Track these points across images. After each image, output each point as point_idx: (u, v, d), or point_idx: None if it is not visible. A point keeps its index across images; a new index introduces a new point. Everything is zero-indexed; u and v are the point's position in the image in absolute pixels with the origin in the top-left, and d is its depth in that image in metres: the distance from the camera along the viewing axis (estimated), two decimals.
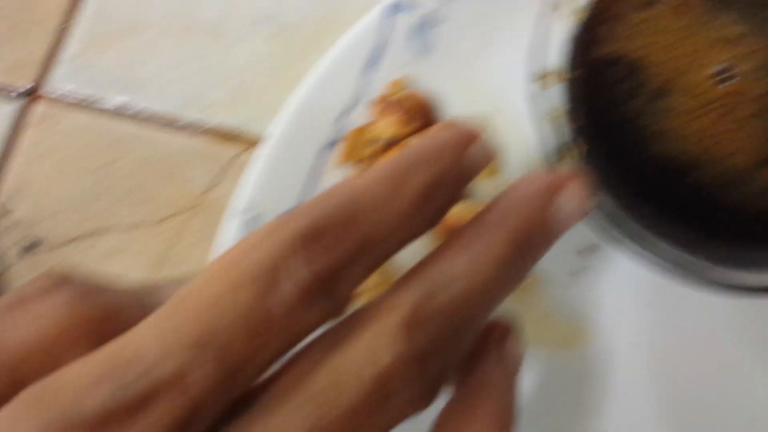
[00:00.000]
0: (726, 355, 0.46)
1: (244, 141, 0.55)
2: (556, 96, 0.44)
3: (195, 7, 0.58)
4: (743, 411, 0.46)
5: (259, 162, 0.49)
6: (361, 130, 0.50)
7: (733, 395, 0.46)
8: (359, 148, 0.50)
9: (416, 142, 0.33)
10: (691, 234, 0.43)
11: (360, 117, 0.51)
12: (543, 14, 0.43)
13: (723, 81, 0.44)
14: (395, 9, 0.51)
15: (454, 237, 0.33)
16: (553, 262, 0.43)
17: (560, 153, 0.43)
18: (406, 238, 0.31)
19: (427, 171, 0.31)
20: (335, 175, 0.50)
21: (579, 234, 0.39)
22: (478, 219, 0.33)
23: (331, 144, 0.50)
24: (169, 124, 0.56)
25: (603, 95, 0.44)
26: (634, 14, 0.45)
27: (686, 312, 0.47)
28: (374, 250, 0.29)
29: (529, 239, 0.33)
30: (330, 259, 0.27)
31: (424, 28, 0.51)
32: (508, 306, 0.46)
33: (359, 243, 0.29)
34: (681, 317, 0.47)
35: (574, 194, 0.34)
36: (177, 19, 0.57)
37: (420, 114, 0.50)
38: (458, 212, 0.46)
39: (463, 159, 0.33)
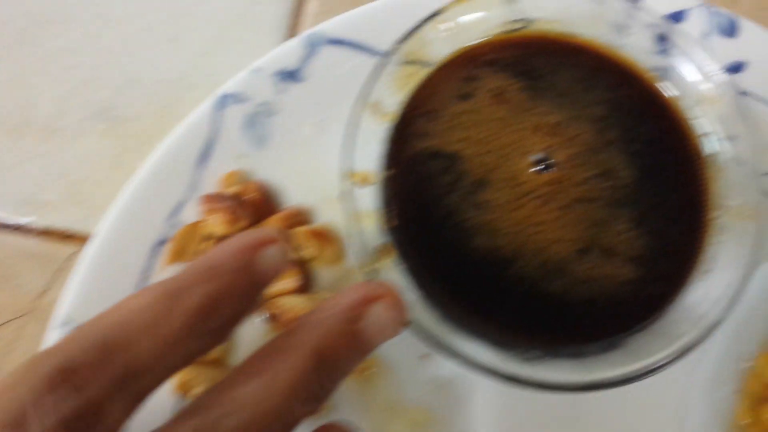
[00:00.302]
0: None
1: (79, 240, 0.53)
2: (370, 196, 0.43)
3: (29, 104, 0.56)
4: None
5: (82, 265, 0.47)
6: (193, 227, 0.49)
7: None
8: (191, 246, 0.49)
9: (197, 259, 0.32)
10: (510, 331, 0.42)
11: (194, 212, 0.49)
12: (355, 112, 0.42)
13: (542, 170, 0.44)
14: (228, 100, 0.50)
15: (251, 359, 0.31)
16: (400, 346, 0.42)
17: (374, 254, 0.42)
18: (178, 362, 0.30)
19: (202, 289, 0.31)
20: (167, 275, 0.48)
21: None
22: (280, 339, 0.33)
23: (163, 242, 0.48)
24: (2, 225, 0.54)
25: (420, 192, 0.44)
26: (451, 107, 0.45)
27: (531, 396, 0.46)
28: (139, 381, 0.28)
29: (335, 357, 0.33)
30: (83, 398, 0.26)
31: (259, 118, 0.50)
32: (354, 393, 0.46)
33: (119, 376, 0.27)
34: (528, 401, 0.46)
35: (388, 308, 0.34)
36: (10, 117, 0.55)
37: (254, 207, 0.49)
38: (296, 305, 0.45)
39: (253, 268, 0.32)
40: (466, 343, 0.41)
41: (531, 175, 0.45)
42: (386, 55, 0.44)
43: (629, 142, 0.45)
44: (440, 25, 0.45)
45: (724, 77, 0.46)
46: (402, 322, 0.34)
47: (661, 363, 0.41)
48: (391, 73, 0.44)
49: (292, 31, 0.57)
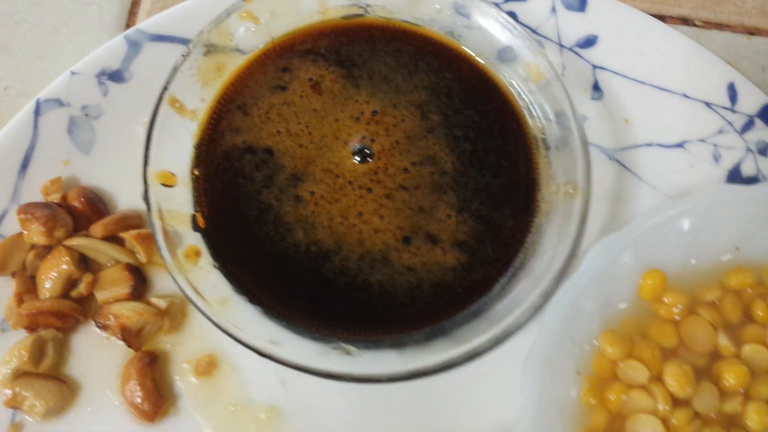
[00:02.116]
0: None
1: None
2: (180, 196, 0.42)
3: None
4: None
5: None
6: (16, 238, 0.48)
7: None
8: (16, 256, 0.48)
9: None
10: (333, 324, 0.42)
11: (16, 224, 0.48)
12: (155, 110, 0.42)
13: (362, 160, 0.44)
14: (46, 106, 0.49)
15: None
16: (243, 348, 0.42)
17: (183, 256, 0.41)
18: None
19: None
20: None
21: None
22: None
23: None
24: None
25: (233, 190, 0.43)
26: (265, 100, 0.45)
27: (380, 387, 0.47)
28: None
29: None
30: None
31: (82, 122, 0.50)
32: (199, 394, 0.45)
33: None
34: (375, 389, 0.48)
35: None
36: None
37: (76, 214, 0.48)
38: (127, 312, 0.44)
39: None
40: (286, 341, 0.41)
41: (351, 165, 0.44)
42: (187, 48, 0.43)
43: (452, 127, 0.45)
44: (249, 15, 0.45)
45: (546, 55, 0.47)
46: None
47: (483, 347, 0.41)
48: (193, 66, 0.43)
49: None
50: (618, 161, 0.52)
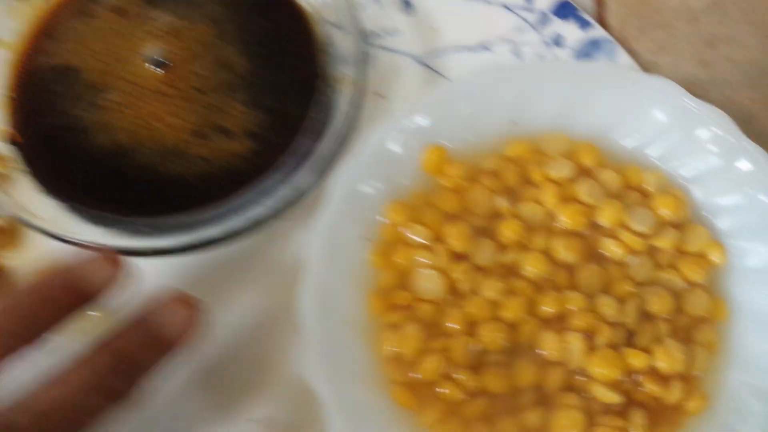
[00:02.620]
0: None
1: None
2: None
3: None
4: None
5: None
6: None
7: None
8: None
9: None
10: (137, 211, 0.48)
11: None
12: None
13: (159, 68, 0.50)
14: None
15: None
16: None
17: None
18: None
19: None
20: None
21: None
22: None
23: None
24: None
25: (43, 104, 0.50)
26: (72, 26, 0.51)
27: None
28: None
29: (132, 359, 0.39)
30: None
31: None
32: None
33: None
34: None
35: (176, 311, 0.41)
36: None
37: None
38: None
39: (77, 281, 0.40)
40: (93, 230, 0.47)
41: (147, 73, 0.50)
42: None
43: (243, 33, 0.51)
44: None
45: None
46: (193, 321, 0.41)
47: (261, 217, 0.46)
48: (3, 3, 0.50)
49: None
50: (429, 66, 0.57)
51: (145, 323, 0.39)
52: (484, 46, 0.56)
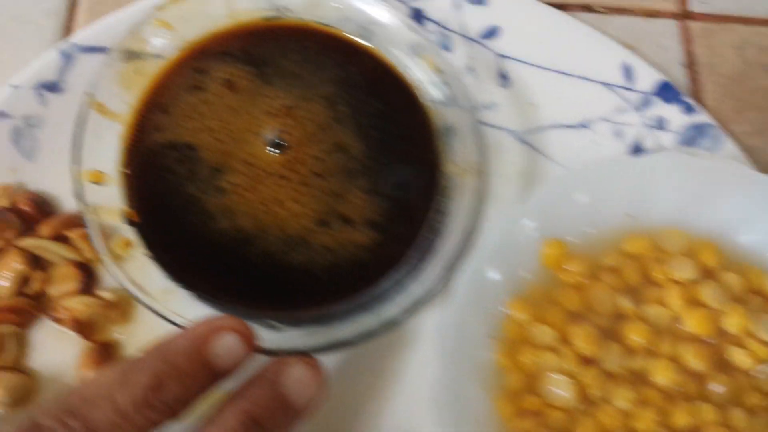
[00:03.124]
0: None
1: None
2: (111, 193, 0.45)
3: None
4: None
5: None
6: None
7: None
8: None
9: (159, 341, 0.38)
10: (258, 303, 0.45)
11: None
12: (80, 112, 0.45)
13: (277, 150, 0.47)
14: None
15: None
16: None
17: (116, 248, 0.44)
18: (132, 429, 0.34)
19: (152, 368, 0.37)
20: None
21: None
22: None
23: None
24: None
25: (159, 184, 0.46)
26: (184, 100, 0.48)
27: None
28: None
29: (262, 425, 0.37)
30: None
31: (25, 132, 0.52)
32: None
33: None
34: None
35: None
36: None
37: (25, 217, 0.51)
38: (78, 306, 0.47)
39: (205, 354, 0.38)
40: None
41: (266, 156, 0.47)
42: (107, 56, 0.46)
43: (359, 116, 0.48)
44: (162, 22, 0.48)
45: (440, 52, 0.50)
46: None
47: (396, 317, 0.44)
48: (114, 72, 0.46)
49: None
50: (527, 143, 0.55)
51: (274, 386, 0.38)
52: (584, 125, 0.55)
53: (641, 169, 0.49)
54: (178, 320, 0.43)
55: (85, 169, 0.44)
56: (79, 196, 0.44)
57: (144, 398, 0.35)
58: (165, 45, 0.47)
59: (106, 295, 0.50)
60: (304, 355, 0.40)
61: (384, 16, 0.50)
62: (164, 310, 0.43)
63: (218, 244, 0.45)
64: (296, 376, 0.39)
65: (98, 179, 0.44)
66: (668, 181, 0.49)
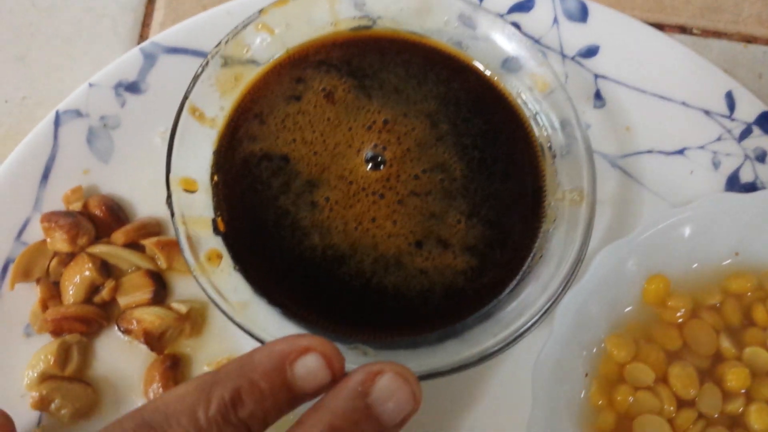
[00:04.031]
0: None
1: None
2: (201, 201, 0.44)
3: None
4: None
5: None
6: (39, 246, 0.50)
7: None
8: (39, 263, 0.50)
9: (240, 357, 0.37)
10: (349, 326, 0.44)
11: (41, 231, 0.50)
12: (177, 118, 0.44)
13: (375, 167, 0.46)
14: (66, 116, 0.51)
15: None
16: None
17: (204, 259, 0.43)
18: None
19: (233, 383, 0.36)
20: (14, 296, 0.49)
21: None
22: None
23: (12, 261, 0.49)
24: None
25: (251, 195, 0.45)
26: (281, 109, 0.47)
27: None
28: None
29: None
30: None
31: (101, 132, 0.52)
32: None
33: None
34: None
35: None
36: None
37: (98, 222, 0.50)
38: (149, 317, 0.46)
39: (285, 373, 0.36)
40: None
41: (364, 172, 0.46)
42: (205, 59, 0.45)
43: (461, 135, 0.47)
44: (264, 26, 0.47)
45: (551, 65, 0.49)
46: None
47: (493, 349, 0.43)
48: (212, 77, 0.45)
49: (141, 42, 0.57)
50: (620, 168, 0.54)
51: (361, 397, 0.35)
52: (680, 152, 0.54)
53: (749, 206, 0.48)
54: (262, 335, 0.42)
55: (176, 175, 0.43)
56: (171, 204, 0.44)
57: (224, 414, 0.34)
58: (265, 51, 0.46)
59: (178, 306, 0.49)
60: (400, 369, 0.37)
61: (488, 30, 0.50)
62: (250, 324, 0.42)
63: (308, 261, 0.45)
64: (387, 387, 0.35)
65: (189, 187, 0.43)
66: None
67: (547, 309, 0.42)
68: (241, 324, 0.41)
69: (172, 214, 0.43)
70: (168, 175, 0.43)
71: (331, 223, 0.44)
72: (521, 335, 0.42)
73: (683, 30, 0.59)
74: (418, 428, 0.46)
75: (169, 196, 0.42)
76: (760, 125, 0.53)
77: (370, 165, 0.45)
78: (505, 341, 0.42)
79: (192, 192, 0.44)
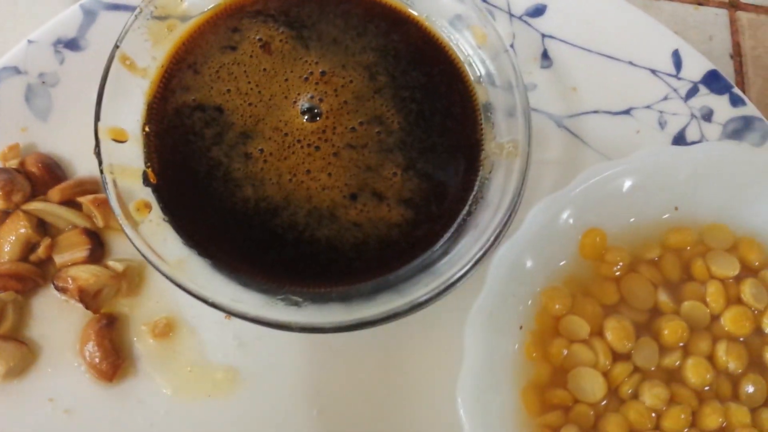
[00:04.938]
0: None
1: None
2: (131, 151, 0.45)
3: None
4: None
5: None
6: None
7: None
8: None
9: None
10: (280, 278, 0.44)
11: None
12: (106, 67, 0.45)
13: (311, 118, 0.46)
14: (4, 73, 0.51)
15: None
16: (202, 308, 0.44)
17: (133, 210, 0.44)
18: None
19: None
20: None
21: None
22: None
23: None
24: None
25: (183, 146, 0.46)
26: (216, 59, 0.47)
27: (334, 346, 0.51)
28: None
29: None
30: None
31: (39, 90, 0.52)
32: (157, 355, 0.49)
33: None
34: (330, 352, 0.51)
35: None
36: None
37: (34, 180, 0.50)
38: (84, 275, 0.46)
39: None
40: (236, 293, 0.44)
41: (300, 124, 0.47)
42: (138, 8, 0.46)
43: (400, 87, 0.48)
44: None
45: (494, 25, 0.50)
46: None
47: (425, 298, 0.43)
48: (143, 26, 0.46)
49: None
50: (566, 128, 0.55)
51: None
52: (626, 112, 0.55)
53: (689, 160, 0.49)
54: (193, 288, 0.42)
55: (106, 125, 0.43)
56: (99, 153, 0.44)
57: None
58: (199, 1, 0.46)
59: (114, 265, 0.50)
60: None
61: None
62: (181, 277, 0.43)
63: (240, 213, 0.45)
64: None
65: (119, 137, 0.44)
66: (716, 174, 0.49)
67: (480, 258, 0.43)
68: (172, 277, 0.43)
69: (100, 163, 0.43)
70: (96, 124, 0.43)
71: (265, 174, 0.45)
72: (453, 284, 0.43)
73: None
74: (354, 382, 0.47)
75: (97, 145, 0.43)
76: (707, 84, 0.54)
77: (306, 117, 0.46)
78: (436, 290, 0.43)
79: (122, 142, 0.44)
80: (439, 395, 0.48)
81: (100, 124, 0.45)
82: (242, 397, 0.49)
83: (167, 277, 0.42)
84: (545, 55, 0.55)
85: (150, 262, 0.42)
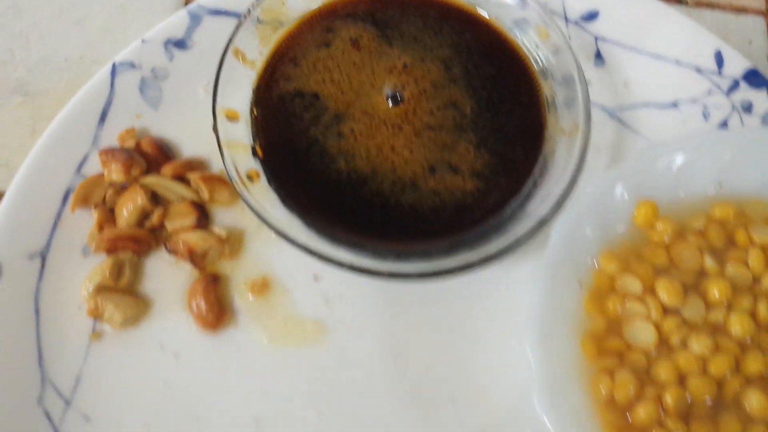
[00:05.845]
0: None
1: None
2: (242, 130, 0.54)
3: None
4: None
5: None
6: (97, 177, 0.60)
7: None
8: (97, 192, 0.60)
9: None
10: (370, 237, 0.53)
11: (98, 165, 0.60)
12: (222, 56, 0.54)
13: (394, 104, 0.56)
14: (121, 68, 0.61)
15: None
16: (294, 269, 0.55)
17: (245, 177, 0.53)
18: None
19: None
20: (73, 220, 0.59)
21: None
22: None
23: (72, 191, 0.59)
24: None
25: (286, 126, 0.55)
26: (312, 54, 0.57)
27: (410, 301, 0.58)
28: None
29: None
30: None
31: (151, 83, 0.62)
32: (253, 310, 0.57)
33: None
34: (406, 306, 0.58)
35: None
36: None
37: (148, 158, 0.60)
38: (192, 239, 0.56)
39: None
40: (332, 249, 0.52)
41: (385, 108, 0.56)
42: (248, 9, 0.55)
43: (472, 78, 0.57)
44: None
45: (556, 23, 0.58)
46: None
47: (496, 253, 0.52)
48: (252, 26, 0.56)
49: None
50: (618, 119, 0.63)
51: None
52: (673, 105, 0.62)
53: (732, 143, 0.56)
54: (297, 239, 0.50)
55: (221, 106, 0.53)
56: (216, 129, 0.53)
57: None
58: (299, 5, 0.57)
59: (219, 231, 0.58)
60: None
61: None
62: (285, 228, 0.51)
63: (335, 182, 0.54)
64: None
65: (232, 116, 0.53)
66: (756, 155, 0.56)
67: (544, 221, 0.51)
68: (274, 226, 0.51)
69: (218, 137, 0.52)
70: (214, 105, 0.52)
71: (355, 150, 0.54)
72: (520, 242, 0.51)
73: (678, 1, 0.68)
74: (427, 333, 0.56)
75: (215, 123, 0.52)
76: (747, 80, 0.62)
77: (390, 102, 0.55)
78: (506, 248, 0.50)
79: (234, 121, 0.53)
80: (507, 343, 0.55)
81: (217, 105, 0.53)
82: (328, 345, 0.56)
83: (274, 229, 0.51)
84: (598, 55, 0.63)
85: (260, 217, 0.51)
